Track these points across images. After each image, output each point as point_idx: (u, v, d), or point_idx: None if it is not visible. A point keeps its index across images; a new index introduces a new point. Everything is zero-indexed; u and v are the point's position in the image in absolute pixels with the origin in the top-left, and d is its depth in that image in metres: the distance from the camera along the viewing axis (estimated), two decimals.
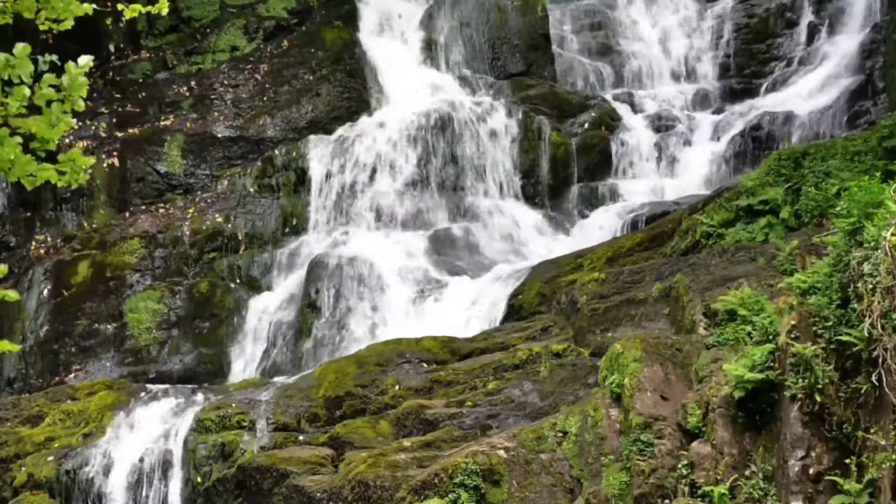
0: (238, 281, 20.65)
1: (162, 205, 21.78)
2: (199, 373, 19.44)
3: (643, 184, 21.98)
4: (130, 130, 22.64)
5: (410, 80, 23.66)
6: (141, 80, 23.88)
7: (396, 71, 23.81)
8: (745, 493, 11.31)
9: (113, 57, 24.13)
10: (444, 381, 15.66)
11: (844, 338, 10.69)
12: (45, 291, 20.40)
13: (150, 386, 17.43)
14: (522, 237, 20.94)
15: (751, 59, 24.58)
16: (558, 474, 12.83)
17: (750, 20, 24.93)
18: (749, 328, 12.64)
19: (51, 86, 7.73)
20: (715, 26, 25.27)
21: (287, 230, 21.27)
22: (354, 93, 23.16)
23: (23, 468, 15.66)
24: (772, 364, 11.48)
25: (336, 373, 16.21)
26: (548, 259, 19.27)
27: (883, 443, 10.14)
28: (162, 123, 22.77)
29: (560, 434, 13.13)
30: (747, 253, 15.39)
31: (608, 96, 24.06)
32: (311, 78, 23.34)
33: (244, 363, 19.55)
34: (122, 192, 21.98)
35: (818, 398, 10.88)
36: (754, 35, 24.75)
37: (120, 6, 8.68)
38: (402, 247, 20.41)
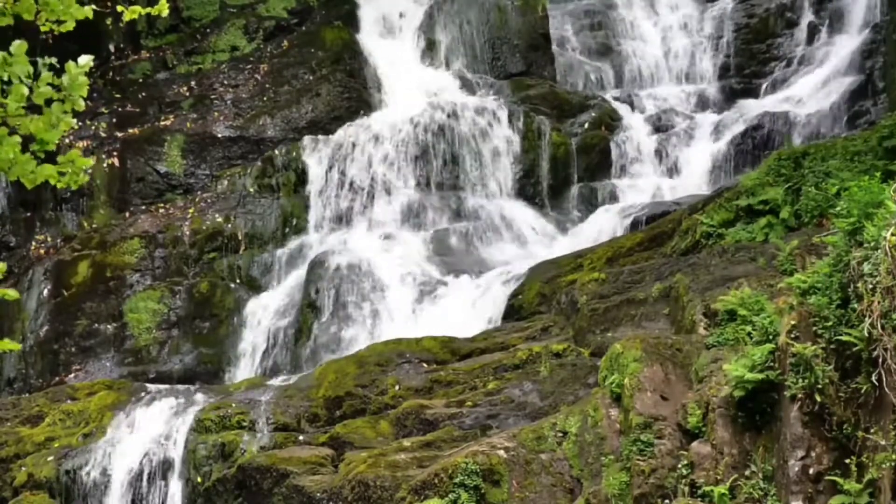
0: (238, 281, 20.65)
1: (162, 205, 21.78)
2: (199, 373, 19.44)
3: (643, 184, 21.97)
4: (130, 130, 22.64)
5: (410, 80, 23.66)
6: (141, 80, 23.88)
7: (396, 71, 23.81)
8: (745, 493, 11.31)
9: (113, 57, 24.14)
10: (444, 381, 15.66)
11: (844, 338, 10.69)
12: (45, 291, 20.40)
13: (150, 386, 17.42)
14: (522, 237, 20.93)
15: (751, 59, 24.57)
16: (558, 474, 12.83)
17: (750, 20, 24.92)
18: (749, 328, 12.64)
19: (50, 85, 7.73)
20: (715, 26, 25.27)
21: (287, 230, 21.28)
22: (354, 93, 23.16)
23: (23, 468, 15.66)
24: (772, 364, 11.48)
25: (336, 373, 16.21)
26: (548, 259, 19.26)
27: (883, 443, 10.14)
28: (162, 123, 22.77)
29: (560, 434, 13.13)
30: (747, 253, 15.39)
31: (608, 96, 24.05)
32: (311, 78, 23.34)
33: (244, 363, 19.55)
34: (122, 192, 21.98)
35: (818, 398, 10.88)
36: (754, 35, 24.75)
37: (119, 8, 8.68)
38: (403, 247, 20.40)
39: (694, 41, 25.43)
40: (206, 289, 20.32)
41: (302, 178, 21.60)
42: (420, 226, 21.04)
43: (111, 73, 23.92)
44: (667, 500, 11.79)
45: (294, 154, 21.82)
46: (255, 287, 20.55)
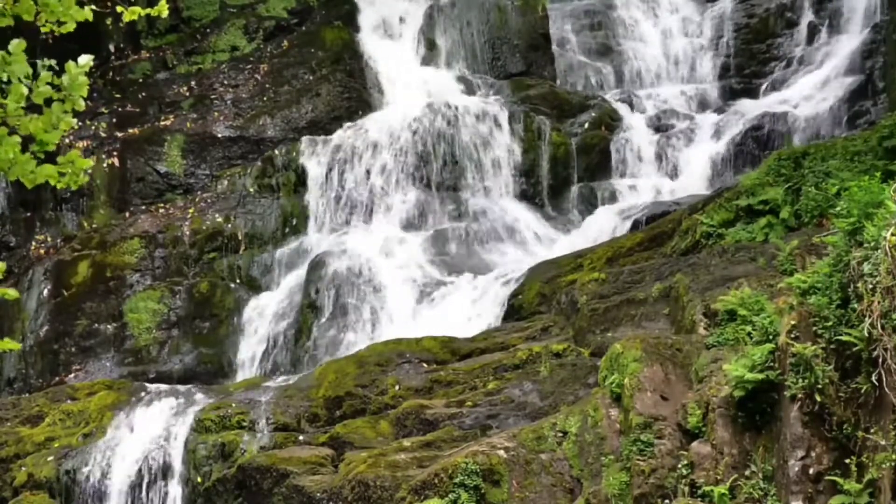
0: (238, 281, 20.65)
1: (162, 205, 21.78)
2: (199, 373, 19.44)
3: (643, 184, 21.97)
4: (130, 130, 22.64)
5: (410, 80, 23.66)
6: (141, 80, 23.88)
7: (396, 71, 23.81)
8: (745, 493, 11.31)
9: (113, 57, 24.14)
10: (444, 381, 15.66)
11: (844, 338, 10.69)
12: (45, 291, 20.40)
13: (150, 386, 17.41)
14: (522, 237, 20.93)
15: (751, 59, 24.57)
16: (558, 474, 12.83)
17: (750, 20, 24.92)
18: (749, 328, 12.64)
19: (50, 84, 7.73)
20: (715, 26, 25.26)
21: (287, 230, 21.28)
22: (354, 93, 23.16)
23: (23, 468, 15.66)
24: (772, 364, 11.48)
25: (336, 373, 16.21)
26: (548, 259, 19.26)
27: (883, 443, 10.14)
28: (162, 123, 22.77)
29: (560, 434, 13.13)
30: (747, 253, 15.39)
31: (608, 96, 24.05)
32: (311, 78, 23.34)
33: (244, 363, 19.55)
34: (122, 192, 21.98)
35: (818, 398, 10.88)
36: (754, 35, 24.74)
37: (119, 8, 8.69)
38: (402, 247, 20.40)
39: (694, 41, 25.42)
40: (206, 289, 20.32)
41: (302, 178, 21.61)
42: (420, 226, 21.04)
43: (111, 73, 23.92)
44: (667, 500, 11.79)
45: (294, 154, 21.83)
46: (255, 287, 20.55)
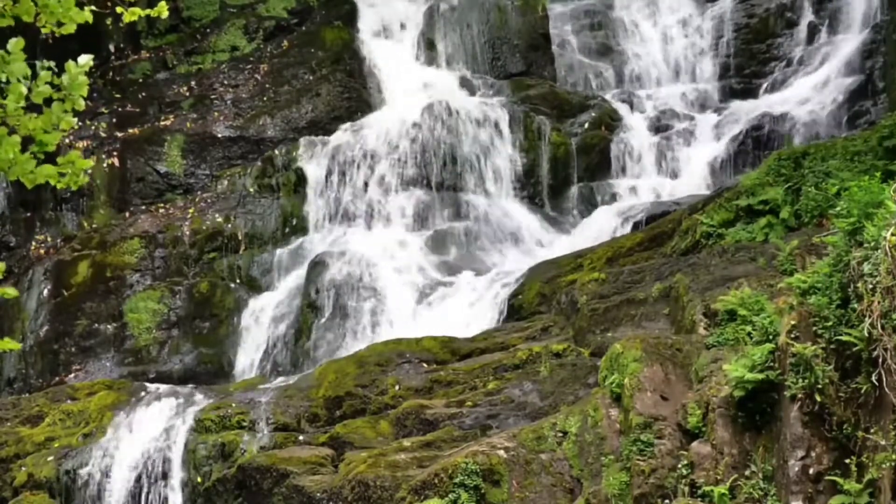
0: (238, 281, 20.65)
1: (162, 205, 21.78)
2: (199, 373, 19.44)
3: (643, 184, 21.97)
4: (130, 130, 22.64)
5: (410, 79, 23.65)
6: (141, 80, 23.88)
7: (396, 71, 23.80)
8: (745, 493, 11.31)
9: (113, 57, 24.14)
10: (444, 381, 15.66)
11: (844, 338, 10.69)
12: (45, 291, 20.40)
13: (150, 386, 17.41)
14: (522, 237, 20.93)
15: (751, 59, 24.56)
16: (558, 474, 12.83)
17: (750, 20, 24.91)
18: (749, 328, 12.64)
19: (49, 84, 7.73)
20: (715, 26, 25.25)
21: (287, 230, 21.27)
22: (354, 93, 23.16)
23: (23, 468, 15.66)
24: (772, 364, 11.48)
25: (336, 373, 16.21)
26: (548, 259, 19.26)
27: (883, 443, 10.14)
28: (162, 123, 22.77)
29: (560, 434, 13.13)
30: (747, 253, 15.39)
31: (608, 96, 24.05)
32: (311, 78, 23.34)
33: (244, 363, 19.55)
34: (122, 192, 21.98)
35: (818, 398, 10.88)
36: (754, 35, 24.73)
37: (119, 9, 8.70)
38: (402, 247, 20.40)
39: (694, 41, 25.42)
40: (206, 289, 20.32)
41: (302, 178, 21.60)
42: (420, 226, 21.04)
43: (111, 73, 23.92)
44: (667, 500, 11.79)
45: (294, 154, 21.82)
46: (255, 287, 20.55)
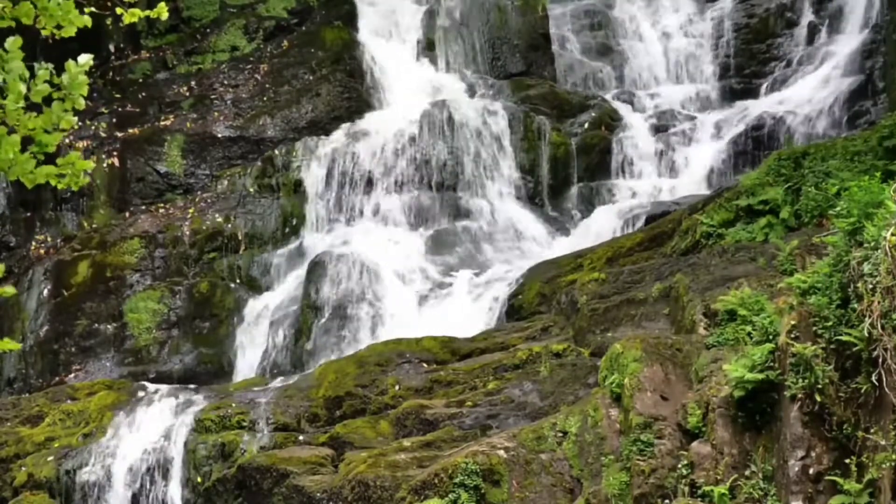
0: (238, 281, 20.65)
1: (162, 205, 21.78)
2: (199, 373, 19.44)
3: (643, 184, 21.97)
4: (130, 130, 22.64)
5: (410, 79, 23.66)
6: (141, 80, 23.88)
7: (396, 71, 23.80)
8: (745, 493, 11.31)
9: (113, 57, 24.13)
10: (444, 381, 15.66)
11: (844, 338, 10.68)
12: (45, 291, 20.40)
13: (150, 386, 17.42)
14: (522, 237, 20.93)
15: (751, 59, 24.56)
16: (558, 474, 12.82)
17: (750, 20, 24.92)
18: (749, 328, 12.64)
19: (49, 83, 7.74)
20: (715, 26, 25.26)
21: (287, 230, 21.27)
22: (354, 93, 23.16)
23: (23, 468, 15.66)
24: (772, 364, 11.47)
25: (336, 373, 16.21)
26: (548, 259, 19.26)
27: (883, 443, 10.14)
28: (162, 123, 22.77)
29: (560, 434, 13.13)
30: (747, 253, 15.39)
31: (608, 96, 24.05)
32: (311, 78, 23.34)
33: (244, 363, 19.55)
34: (122, 192, 21.98)
35: (818, 398, 10.88)
36: (754, 35, 24.74)
37: (119, 10, 8.70)
38: (402, 247, 20.41)
39: (694, 41, 25.42)
40: (206, 289, 20.32)
41: (302, 178, 21.59)
42: (420, 226, 21.05)
43: (111, 73, 23.92)
44: (667, 500, 11.79)
45: (294, 154, 21.82)
46: (255, 287, 20.55)
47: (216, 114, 22.89)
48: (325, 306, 19.26)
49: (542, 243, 20.77)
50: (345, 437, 14.92)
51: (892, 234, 10.32)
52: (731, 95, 24.19)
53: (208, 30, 24.56)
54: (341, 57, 23.58)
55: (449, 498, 12.58)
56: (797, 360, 11.06)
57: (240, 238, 21.03)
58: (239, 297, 20.27)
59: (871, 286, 10.39)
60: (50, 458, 15.62)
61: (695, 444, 11.97)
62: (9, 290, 8.48)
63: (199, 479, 15.13)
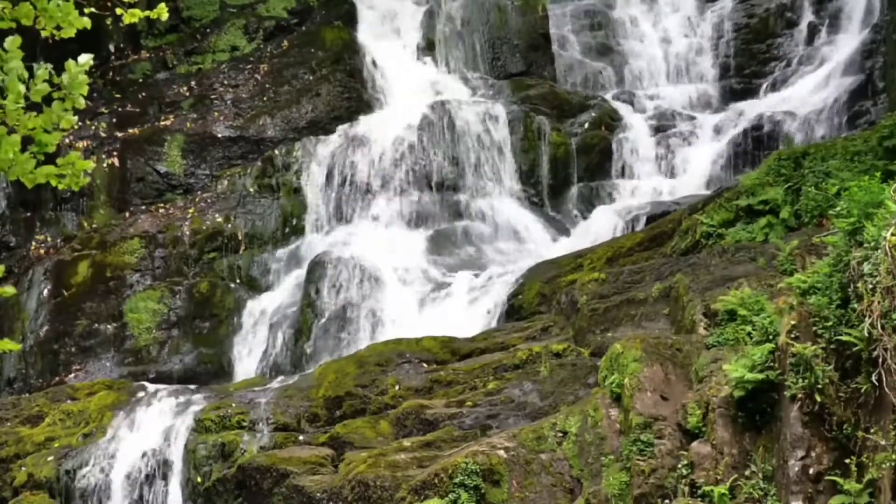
0: (238, 281, 20.65)
1: (162, 205, 21.78)
2: (199, 373, 19.43)
3: (643, 184, 21.98)
4: (130, 130, 22.64)
5: (410, 79, 23.66)
6: (141, 80, 23.88)
7: (396, 71, 23.80)
8: (745, 493, 11.31)
9: (113, 57, 24.13)
10: (444, 381, 15.66)
11: (844, 338, 10.68)
12: (45, 291, 20.40)
13: (150, 386, 17.43)
14: (522, 237, 20.93)
15: (751, 59, 24.57)
16: (558, 474, 12.82)
17: (750, 20, 24.92)
18: (749, 328, 12.64)
19: (49, 83, 7.74)
20: (715, 26, 25.27)
21: (287, 230, 21.27)
22: (354, 93, 23.16)
23: (23, 468, 15.66)
24: (772, 364, 11.47)
25: (336, 373, 16.21)
26: (548, 259, 19.26)
27: (883, 443, 10.14)
28: (162, 123, 22.77)
29: (560, 434, 13.12)
30: (747, 253, 15.39)
31: (608, 96, 24.06)
32: (311, 78, 23.34)
33: (244, 363, 19.55)
34: (122, 192, 21.98)
35: (818, 398, 10.88)
36: (754, 35, 24.74)
37: (119, 11, 8.71)
38: (402, 247, 20.41)
39: (694, 41, 25.43)
40: (206, 289, 20.32)
41: (302, 178, 21.59)
42: (420, 226, 21.04)
43: (111, 73, 23.92)
44: (667, 500, 11.79)
45: (294, 154, 21.83)
46: (255, 287, 20.55)
47: (216, 114, 22.90)
48: (324, 307, 19.26)
49: (541, 243, 20.77)
50: (345, 437, 14.92)
51: (892, 234, 10.32)
52: (731, 95, 24.20)
53: (208, 30, 24.57)
54: (341, 57, 23.58)
55: (449, 498, 12.58)
56: (797, 360, 11.06)
57: (240, 238, 21.03)
58: (239, 298, 20.27)
59: (871, 286, 10.39)
60: (50, 458, 15.62)
61: (695, 444, 11.97)
62: (9, 290, 8.49)
63: (199, 479, 15.13)
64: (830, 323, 10.97)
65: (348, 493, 13.47)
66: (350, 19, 24.60)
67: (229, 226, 21.10)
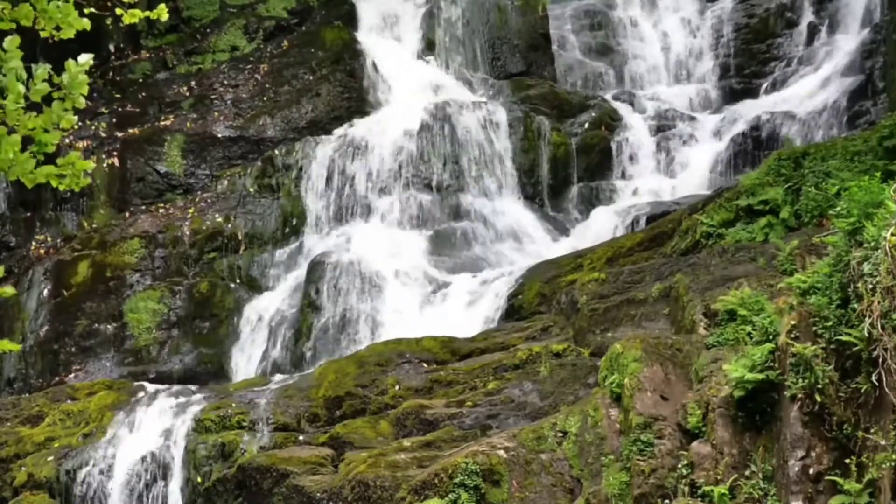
0: (238, 281, 20.65)
1: (162, 205, 21.78)
2: (199, 373, 19.44)
3: (643, 184, 21.98)
4: (130, 130, 22.64)
5: (410, 79, 23.65)
6: (141, 80, 23.88)
7: (396, 71, 23.80)
8: (745, 493, 11.31)
9: (113, 57, 24.13)
10: (444, 381, 15.66)
11: (844, 338, 10.68)
12: (45, 291, 20.40)
13: (149, 386, 17.43)
14: (522, 237, 20.93)
15: (751, 59, 24.57)
16: (558, 474, 12.82)
17: (750, 20, 24.92)
18: (749, 328, 12.64)
19: (48, 83, 7.74)
20: (715, 26, 25.27)
21: (287, 230, 21.27)
22: (354, 93, 23.16)
23: (23, 468, 15.66)
24: (772, 364, 11.47)
25: (336, 373, 16.21)
26: (548, 259, 19.26)
27: (883, 443, 10.14)
28: (162, 123, 22.77)
29: (560, 434, 13.12)
30: (747, 253, 15.39)
31: (608, 96, 24.06)
32: (311, 78, 23.34)
33: (244, 363, 19.55)
34: (122, 192, 21.98)
35: (818, 398, 10.88)
36: (754, 35, 24.74)
37: (119, 11, 8.71)
38: (403, 247, 20.40)
39: (694, 41, 25.43)
40: (206, 289, 20.32)
41: (302, 178, 21.59)
42: (420, 226, 21.04)
43: (111, 73, 23.92)
44: (667, 500, 11.79)
45: (294, 154, 21.83)
46: (255, 287, 20.55)
47: (216, 114, 22.90)
48: (324, 306, 19.26)
49: (541, 244, 20.77)
50: (345, 437, 14.92)
51: (892, 234, 10.32)
52: (731, 95, 24.20)
53: (208, 30, 24.57)
54: (341, 57, 23.58)
55: (449, 498, 12.58)
56: (797, 360, 11.06)
57: (240, 238, 21.03)
58: (239, 297, 20.27)
59: (871, 286, 10.39)
60: (50, 458, 15.62)
61: (695, 444, 11.97)
62: (9, 290, 8.49)
63: (199, 479, 15.13)
64: (830, 323, 10.97)
65: (348, 493, 13.47)
66: (350, 19, 24.60)
67: (229, 226, 21.10)
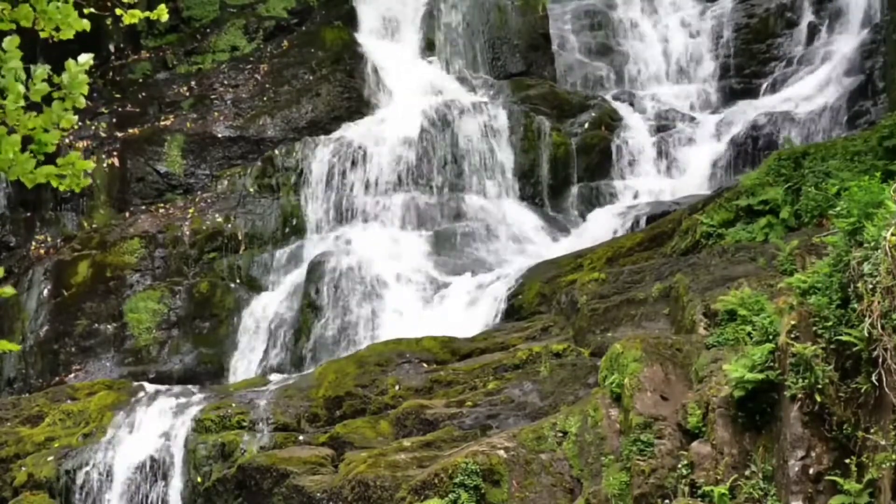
0: (238, 281, 20.65)
1: (162, 205, 21.78)
2: (199, 373, 19.44)
3: (643, 184, 21.98)
4: (130, 130, 22.64)
5: (410, 79, 23.65)
6: (141, 80, 23.88)
7: (396, 71, 23.80)
8: (745, 493, 11.31)
9: (113, 57, 24.13)
10: (444, 381, 15.66)
11: (844, 338, 10.68)
12: (45, 291, 20.40)
13: (149, 386, 17.43)
14: (522, 237, 20.93)
15: (751, 59, 24.57)
16: (558, 474, 12.82)
17: (750, 20, 24.92)
18: (749, 328, 12.64)
19: (48, 83, 7.74)
20: (715, 26, 25.27)
21: (287, 230, 21.27)
22: (354, 93, 23.16)
23: (23, 468, 15.66)
24: (772, 364, 11.47)
25: (336, 373, 16.21)
26: (548, 259, 19.26)
27: (883, 443, 10.14)
28: (162, 123, 22.77)
29: (560, 434, 13.13)
30: (747, 253, 15.39)
31: (608, 96, 24.06)
32: (311, 78, 23.34)
33: (244, 363, 19.54)
34: (122, 192, 21.98)
35: (818, 398, 10.88)
36: (754, 35, 24.74)
37: (119, 11, 8.72)
38: (403, 247, 20.40)
39: (694, 41, 25.43)
40: (206, 289, 20.32)
41: (302, 178, 21.60)
42: (420, 226, 21.03)
43: (111, 73, 23.92)
44: (667, 500, 11.79)
45: (294, 154, 21.83)
46: (255, 287, 20.55)
47: (216, 114, 22.90)
48: (325, 306, 19.26)
49: (541, 244, 20.76)
50: (345, 437, 14.92)
51: (892, 234, 10.32)
52: (731, 95, 24.19)
53: (208, 30, 24.57)
54: (341, 57, 23.58)
55: (449, 498, 12.58)
56: (797, 360, 11.06)
57: (240, 238, 21.03)
58: (239, 297, 20.27)
59: (871, 286, 10.39)
60: (50, 458, 15.62)
61: (695, 444, 11.97)
62: (9, 290, 8.49)
63: (199, 479, 15.13)
64: (830, 323, 10.97)
65: (348, 493, 13.47)
66: (350, 19, 24.60)
67: (229, 226, 21.10)
